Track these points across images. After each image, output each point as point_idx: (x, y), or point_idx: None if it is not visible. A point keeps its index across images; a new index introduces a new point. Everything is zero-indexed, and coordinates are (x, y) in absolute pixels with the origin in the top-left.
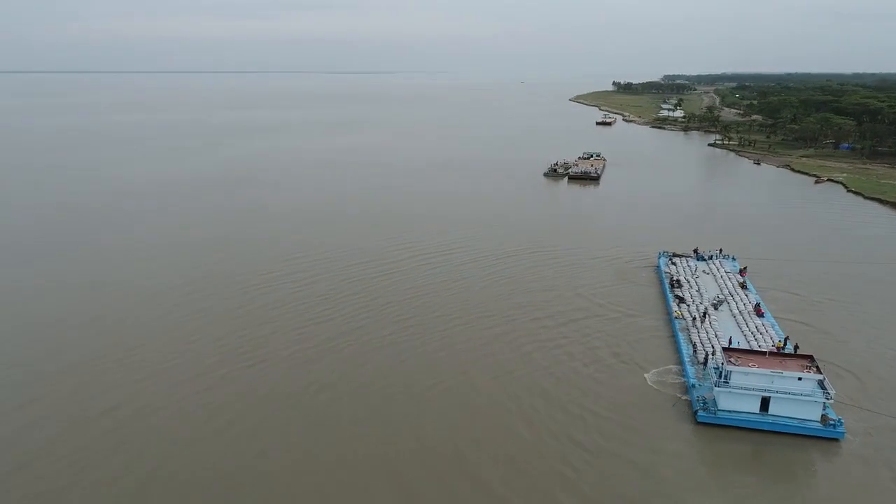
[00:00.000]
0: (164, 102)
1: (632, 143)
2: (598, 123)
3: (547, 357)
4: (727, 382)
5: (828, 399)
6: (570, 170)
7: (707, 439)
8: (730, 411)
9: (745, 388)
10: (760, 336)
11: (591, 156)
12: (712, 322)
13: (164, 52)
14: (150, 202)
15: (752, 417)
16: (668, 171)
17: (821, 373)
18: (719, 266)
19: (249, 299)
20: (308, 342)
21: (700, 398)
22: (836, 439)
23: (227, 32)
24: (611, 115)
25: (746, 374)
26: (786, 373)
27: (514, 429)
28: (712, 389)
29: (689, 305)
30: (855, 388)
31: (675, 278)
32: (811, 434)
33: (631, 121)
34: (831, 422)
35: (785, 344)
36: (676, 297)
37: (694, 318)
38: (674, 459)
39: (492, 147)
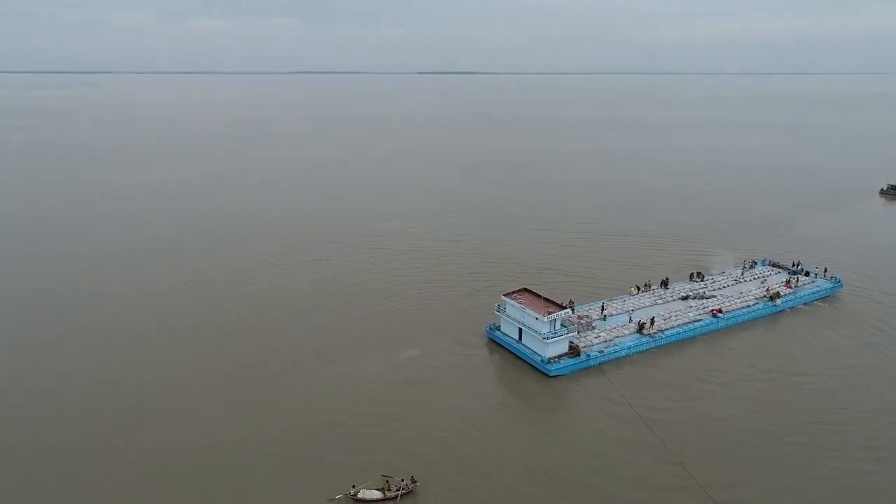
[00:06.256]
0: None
1: None
2: None
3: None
4: (504, 312)
5: (547, 340)
6: None
7: (489, 350)
8: (504, 334)
9: (510, 318)
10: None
11: None
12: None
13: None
14: None
15: (513, 343)
16: None
17: (565, 321)
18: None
19: None
20: None
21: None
22: (546, 374)
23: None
24: None
25: (512, 307)
26: (528, 310)
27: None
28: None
29: (655, 289)
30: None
31: (701, 274)
32: (535, 366)
33: None
34: (548, 360)
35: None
36: (662, 282)
37: (636, 294)
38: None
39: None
